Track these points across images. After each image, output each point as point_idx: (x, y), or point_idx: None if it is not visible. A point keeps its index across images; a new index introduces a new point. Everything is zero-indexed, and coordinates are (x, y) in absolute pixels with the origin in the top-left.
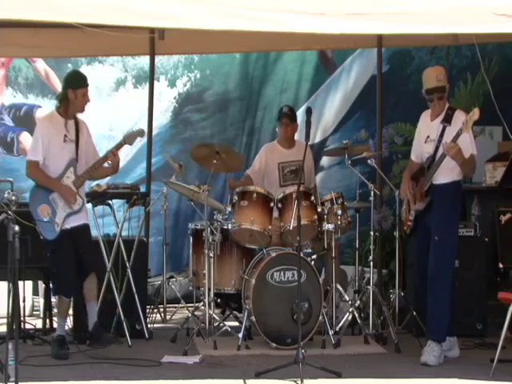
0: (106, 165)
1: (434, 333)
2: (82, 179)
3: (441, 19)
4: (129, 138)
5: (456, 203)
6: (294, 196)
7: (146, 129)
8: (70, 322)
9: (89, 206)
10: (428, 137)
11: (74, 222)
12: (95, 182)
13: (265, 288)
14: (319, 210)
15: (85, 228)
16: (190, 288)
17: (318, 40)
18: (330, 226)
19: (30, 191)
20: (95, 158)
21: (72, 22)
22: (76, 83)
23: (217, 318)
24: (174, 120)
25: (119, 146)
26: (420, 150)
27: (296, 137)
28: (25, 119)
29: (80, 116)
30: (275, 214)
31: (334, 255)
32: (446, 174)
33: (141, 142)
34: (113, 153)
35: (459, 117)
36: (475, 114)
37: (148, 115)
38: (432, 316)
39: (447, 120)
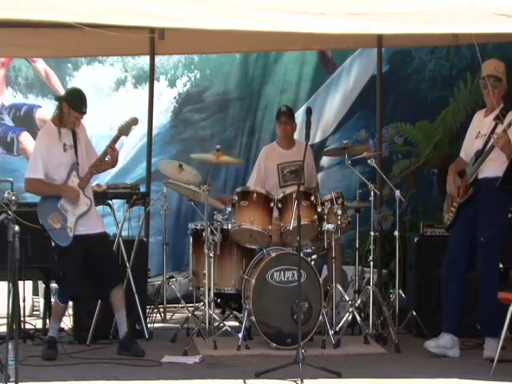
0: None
1: (490, 329)
2: (86, 179)
3: (441, 19)
4: (124, 129)
5: (505, 197)
6: (293, 196)
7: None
8: (70, 322)
9: None
10: (479, 132)
11: (88, 230)
12: (95, 182)
13: (265, 288)
14: (319, 209)
15: (103, 237)
16: (190, 288)
17: (318, 40)
18: (330, 226)
19: (38, 204)
20: (96, 157)
21: (72, 21)
22: (74, 103)
23: (217, 318)
24: (174, 120)
25: (116, 139)
26: (469, 148)
27: (296, 137)
28: (25, 119)
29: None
30: (275, 213)
31: (334, 255)
32: (494, 167)
33: (141, 142)
34: (111, 147)
35: None
36: None
37: (148, 115)
38: (485, 315)
39: (500, 118)
